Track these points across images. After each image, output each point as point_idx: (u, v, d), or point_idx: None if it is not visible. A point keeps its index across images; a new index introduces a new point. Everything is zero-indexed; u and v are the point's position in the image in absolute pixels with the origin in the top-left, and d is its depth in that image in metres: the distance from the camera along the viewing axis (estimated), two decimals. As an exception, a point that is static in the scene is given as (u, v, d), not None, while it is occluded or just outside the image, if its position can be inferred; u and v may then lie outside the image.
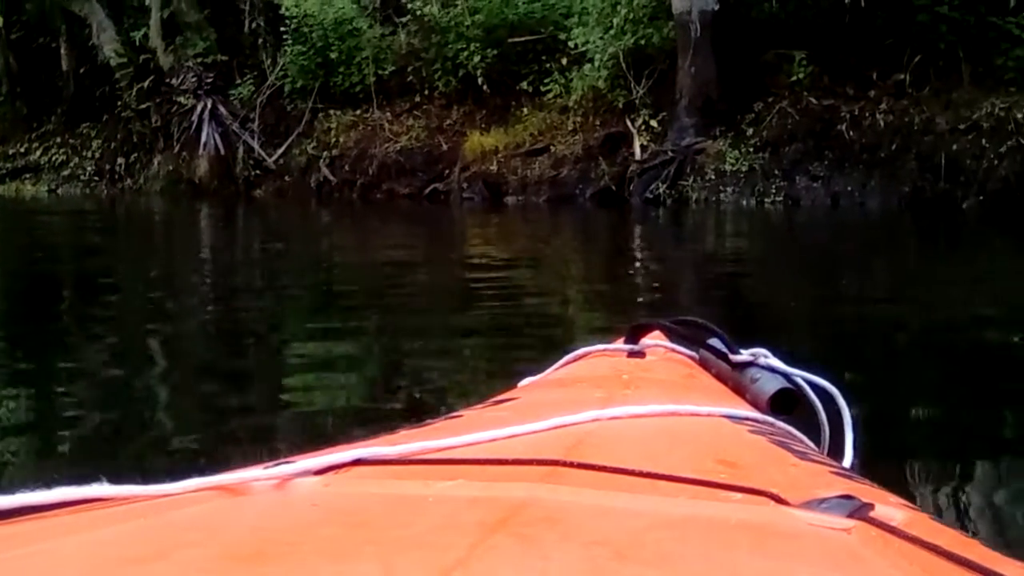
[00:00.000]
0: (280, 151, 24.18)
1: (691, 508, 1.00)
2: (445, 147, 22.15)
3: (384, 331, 7.43)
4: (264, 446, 4.27)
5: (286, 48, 24.13)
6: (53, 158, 27.45)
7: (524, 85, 21.75)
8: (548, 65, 21.57)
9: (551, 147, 20.78)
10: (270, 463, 1.08)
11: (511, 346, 6.65)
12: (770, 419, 1.68)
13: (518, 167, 20.88)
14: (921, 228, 16.35)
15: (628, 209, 19.09)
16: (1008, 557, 1.04)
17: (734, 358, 1.97)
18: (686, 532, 0.94)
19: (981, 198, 17.03)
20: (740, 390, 1.91)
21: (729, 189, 19.00)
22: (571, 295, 9.56)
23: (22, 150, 28.10)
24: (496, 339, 6.99)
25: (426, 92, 23.16)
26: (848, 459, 1.85)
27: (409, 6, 23.23)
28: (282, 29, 23.83)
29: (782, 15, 19.47)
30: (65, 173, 27.22)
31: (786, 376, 1.92)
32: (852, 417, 1.94)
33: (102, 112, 27.11)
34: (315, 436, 4.24)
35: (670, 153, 19.39)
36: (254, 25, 25.29)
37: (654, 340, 2.14)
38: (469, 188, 21.32)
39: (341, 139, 23.43)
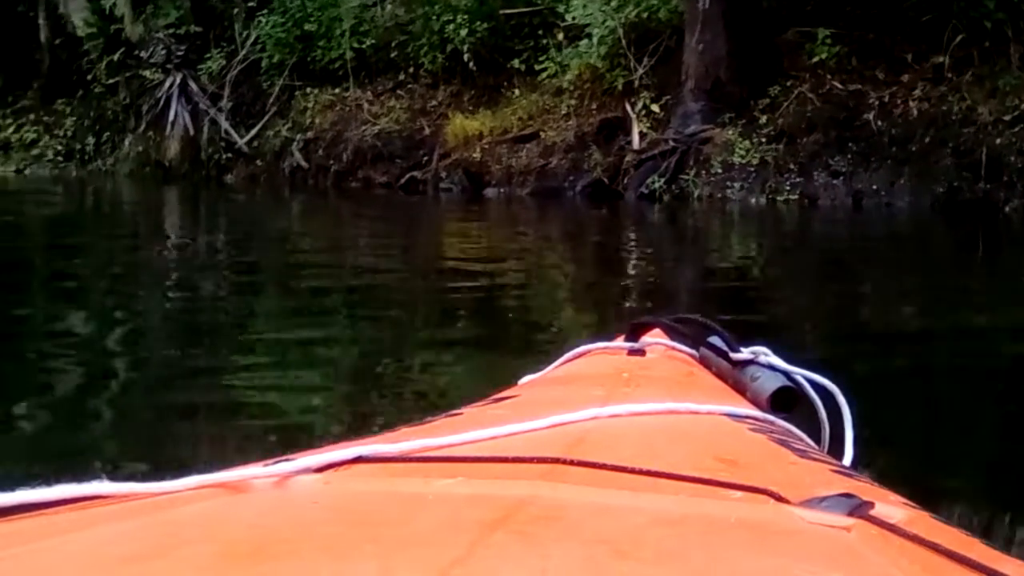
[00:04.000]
0: (252, 133, 22.09)
1: (691, 506, 1.01)
2: (427, 131, 19.96)
3: (356, 340, 7.19)
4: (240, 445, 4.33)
5: (260, 18, 22.00)
6: (24, 136, 25.69)
7: (516, 63, 19.48)
8: (544, 41, 19.37)
9: (541, 133, 18.55)
10: (270, 461, 1.09)
11: (485, 357, 6.47)
12: (770, 417, 1.69)
13: (503, 155, 18.73)
14: (956, 234, 14.40)
15: (621, 205, 17.09)
16: (1009, 556, 1.04)
17: (734, 356, 1.97)
18: (686, 530, 0.95)
19: (1027, 200, 15.21)
20: (740, 388, 1.91)
21: (737, 185, 16.77)
22: (548, 307, 8.74)
23: (-4, 126, 26.19)
24: (470, 350, 6.75)
25: (410, 70, 20.99)
26: (848, 457, 1.88)
27: (394, -28, 20.99)
28: (256, -4, 21.83)
29: (804, -14, 16.93)
30: (35, 152, 25.31)
31: (786, 374, 1.93)
32: (852, 415, 1.97)
33: (78, 88, 25.11)
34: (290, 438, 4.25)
35: (672, 142, 17.15)
36: (230, -8, 23.07)
37: (654, 338, 2.15)
38: (448, 177, 19.15)
39: (317, 120, 21.36)
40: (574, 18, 18.32)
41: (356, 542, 0.89)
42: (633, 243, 13.63)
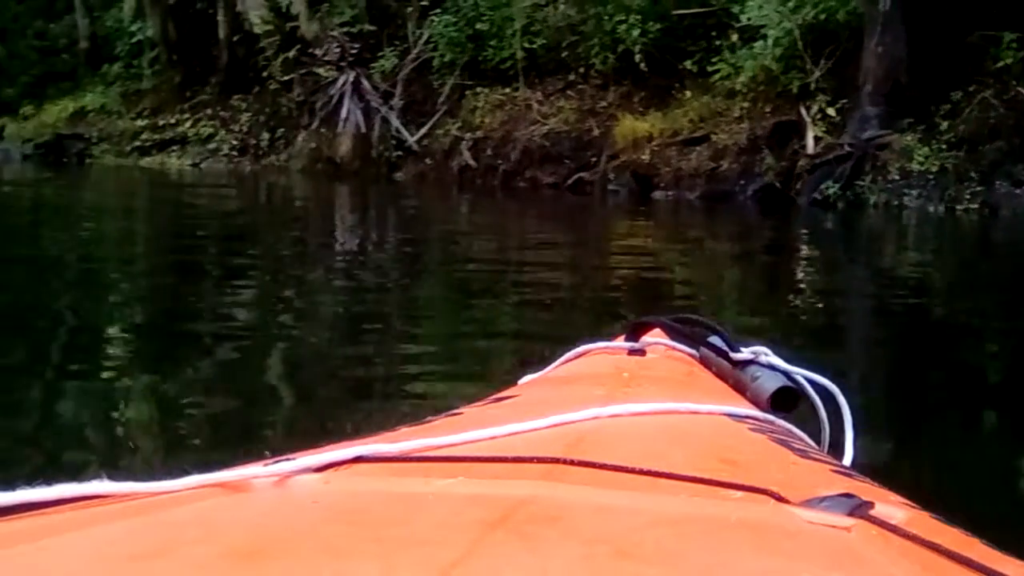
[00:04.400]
0: (423, 131, 22.10)
1: (691, 506, 1.01)
2: (596, 132, 19.74)
3: (519, 335, 6.91)
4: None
5: (433, 17, 22.11)
6: (201, 131, 25.95)
7: (688, 64, 19.16)
8: (718, 42, 18.98)
9: (712, 136, 18.22)
10: (270, 460, 1.08)
11: None
12: (771, 417, 1.68)
13: (672, 157, 18.42)
14: None
15: (794, 211, 16.58)
16: (1009, 556, 1.04)
17: (735, 356, 1.96)
18: (686, 530, 0.95)
19: None
20: (741, 388, 1.91)
21: (915, 192, 16.29)
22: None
23: (172, 121, 26.56)
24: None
25: (581, 70, 20.82)
26: (848, 457, 1.87)
27: (567, -29, 20.92)
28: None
29: (989, -12, 16.35)
30: (211, 147, 25.66)
31: (787, 374, 1.93)
32: (852, 415, 1.97)
33: (253, 84, 25.51)
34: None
35: (847, 148, 16.72)
36: (403, -10, 23.27)
37: (655, 338, 2.15)
38: (616, 179, 18.92)
39: (486, 120, 21.24)
40: (749, 19, 17.98)
41: (356, 542, 0.89)
42: (809, 252, 13.13)
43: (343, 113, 22.59)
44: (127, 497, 1.01)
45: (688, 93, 19.15)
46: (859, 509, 1.01)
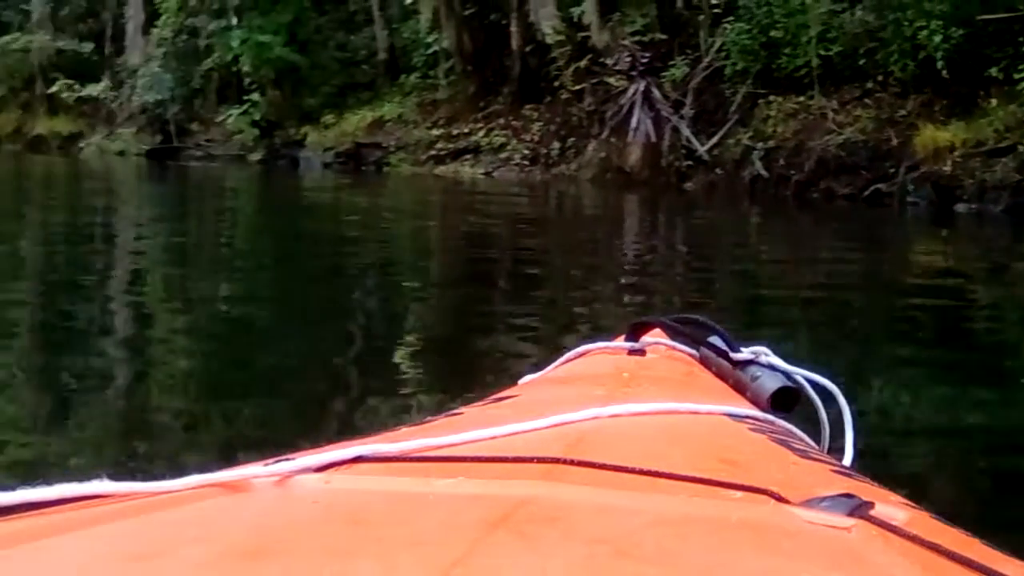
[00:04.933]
0: (713, 141, 21.67)
1: (691, 506, 1.01)
2: (895, 141, 19.00)
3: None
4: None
5: (726, 25, 21.84)
6: (494, 140, 26.28)
7: (994, 71, 18.21)
8: (1024, 49, 18.05)
9: (1018, 146, 17.34)
10: (270, 460, 1.08)
11: (951, 383, 6.00)
12: (771, 417, 1.68)
13: (976, 169, 17.58)
14: None
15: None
16: (1009, 556, 1.04)
17: (735, 356, 1.96)
18: (686, 530, 0.95)
19: None
20: (741, 388, 1.91)
21: None
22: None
23: (466, 131, 26.98)
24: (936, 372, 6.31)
25: (879, 78, 20.10)
26: (849, 457, 1.87)
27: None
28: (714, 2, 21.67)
29: None
30: (503, 156, 25.87)
31: (787, 374, 1.93)
32: (852, 415, 1.96)
33: (545, 93, 25.78)
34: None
35: None
36: (694, 0, 23.05)
37: (655, 338, 2.15)
38: (915, 191, 18.22)
39: (779, 129, 20.66)
40: (1061, 23, 17.15)
41: (356, 542, 0.89)
42: None
43: (633, 122, 22.52)
44: (127, 497, 1.01)
45: (993, 101, 18.27)
46: (859, 509, 1.02)
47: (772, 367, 1.93)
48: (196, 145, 31.82)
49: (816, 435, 1.90)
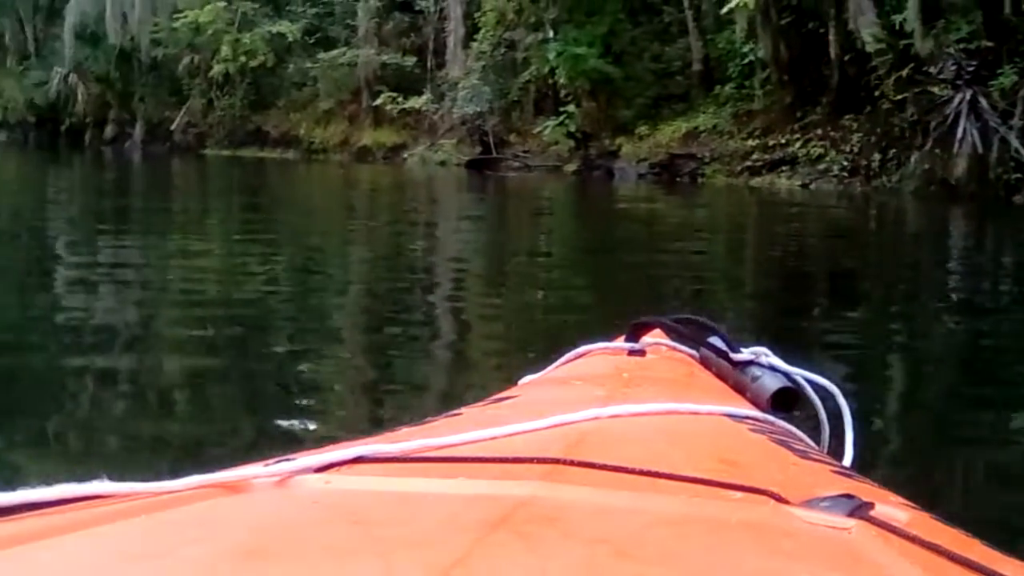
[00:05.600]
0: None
1: (691, 507, 1.01)
2: None
3: None
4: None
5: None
6: (811, 151, 25.57)
7: None
8: None
9: None
10: (270, 460, 1.09)
11: None
12: (771, 418, 1.68)
13: None
14: None
15: None
16: (1009, 556, 1.04)
17: (735, 356, 1.96)
18: (686, 531, 0.95)
19: None
20: (741, 388, 1.91)
21: None
22: None
23: (782, 141, 26.28)
24: None
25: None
26: (848, 458, 1.86)
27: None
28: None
29: None
30: (821, 167, 25.12)
31: (787, 375, 1.93)
32: (853, 415, 1.96)
33: (865, 103, 24.91)
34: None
35: None
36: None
37: (655, 338, 2.14)
38: None
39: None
40: None
41: (356, 542, 0.89)
42: None
43: (959, 133, 21.54)
44: (127, 497, 1.01)
45: None
46: (859, 510, 1.02)
47: (772, 367, 1.93)
48: (513, 156, 32.04)
49: (816, 435, 1.91)
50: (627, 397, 1.59)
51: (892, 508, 1.10)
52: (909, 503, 1.25)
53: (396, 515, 0.96)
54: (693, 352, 2.11)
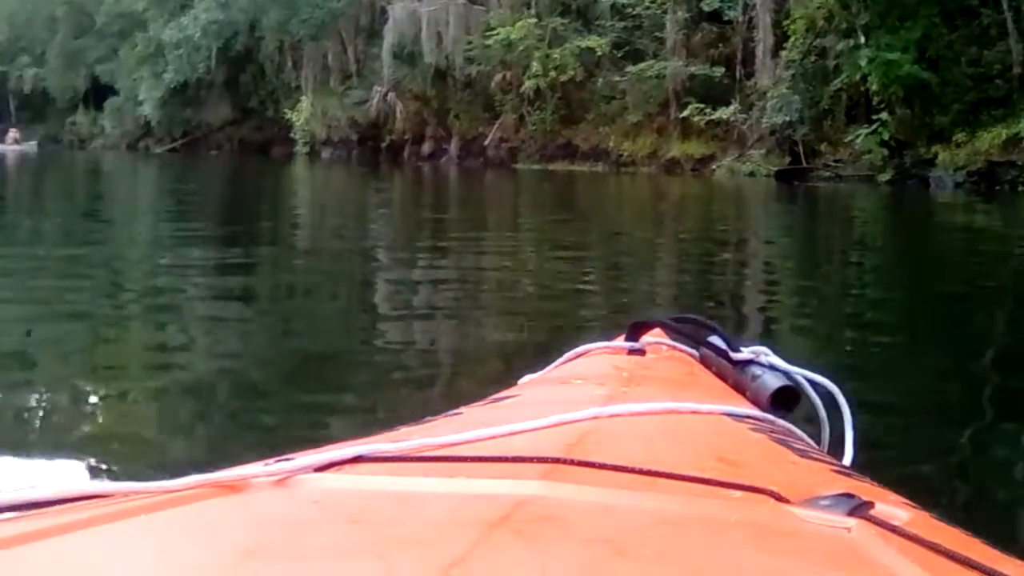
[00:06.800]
0: None
1: (691, 506, 1.01)
2: None
3: None
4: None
5: None
6: None
7: None
8: None
9: None
10: (270, 460, 1.09)
11: None
12: (771, 417, 1.68)
13: None
14: None
15: None
16: (1010, 556, 1.03)
17: (735, 356, 1.97)
18: (686, 530, 0.95)
19: None
20: (741, 388, 1.91)
21: None
22: None
23: None
24: None
25: None
26: (849, 457, 1.86)
27: None
28: None
29: None
30: None
31: (787, 374, 1.92)
32: (852, 415, 1.95)
33: None
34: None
35: None
36: None
37: (655, 338, 2.14)
38: None
39: None
40: None
41: (356, 541, 0.89)
42: None
43: None
44: (127, 496, 1.00)
45: None
46: (859, 509, 1.01)
47: (772, 367, 1.93)
48: (824, 166, 31.21)
49: (816, 435, 1.90)
50: (627, 396, 1.58)
51: (892, 507, 1.09)
52: (909, 502, 1.24)
53: (396, 515, 0.96)
54: (693, 351, 2.11)
